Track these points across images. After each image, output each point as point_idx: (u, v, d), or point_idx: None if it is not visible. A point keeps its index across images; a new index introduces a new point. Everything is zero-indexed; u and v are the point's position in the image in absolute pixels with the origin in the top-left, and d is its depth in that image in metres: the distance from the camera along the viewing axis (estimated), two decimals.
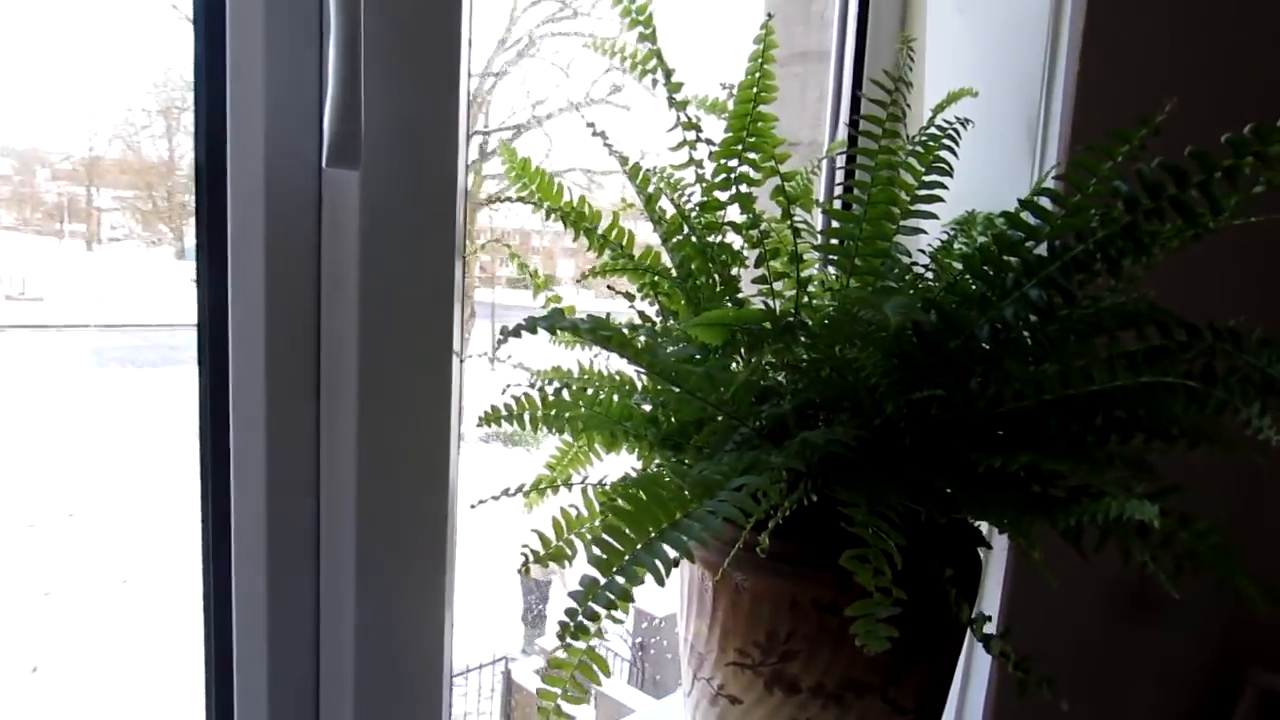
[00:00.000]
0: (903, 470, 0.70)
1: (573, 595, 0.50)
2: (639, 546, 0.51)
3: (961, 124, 0.84)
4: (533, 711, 5.87)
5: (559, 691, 0.71)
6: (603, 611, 0.49)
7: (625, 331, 0.58)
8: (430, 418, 0.72)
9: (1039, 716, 0.71)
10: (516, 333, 0.49)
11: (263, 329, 0.66)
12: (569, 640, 0.50)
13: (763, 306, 0.74)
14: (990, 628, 0.66)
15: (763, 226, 0.81)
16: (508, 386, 0.68)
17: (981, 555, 0.76)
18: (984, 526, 0.75)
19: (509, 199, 0.72)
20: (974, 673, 0.99)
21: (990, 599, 0.91)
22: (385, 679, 0.78)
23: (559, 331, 0.54)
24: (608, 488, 0.71)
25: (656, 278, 0.74)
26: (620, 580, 0.49)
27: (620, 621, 0.72)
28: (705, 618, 0.78)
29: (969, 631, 0.73)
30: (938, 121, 0.84)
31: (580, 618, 0.49)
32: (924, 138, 0.82)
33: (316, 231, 0.66)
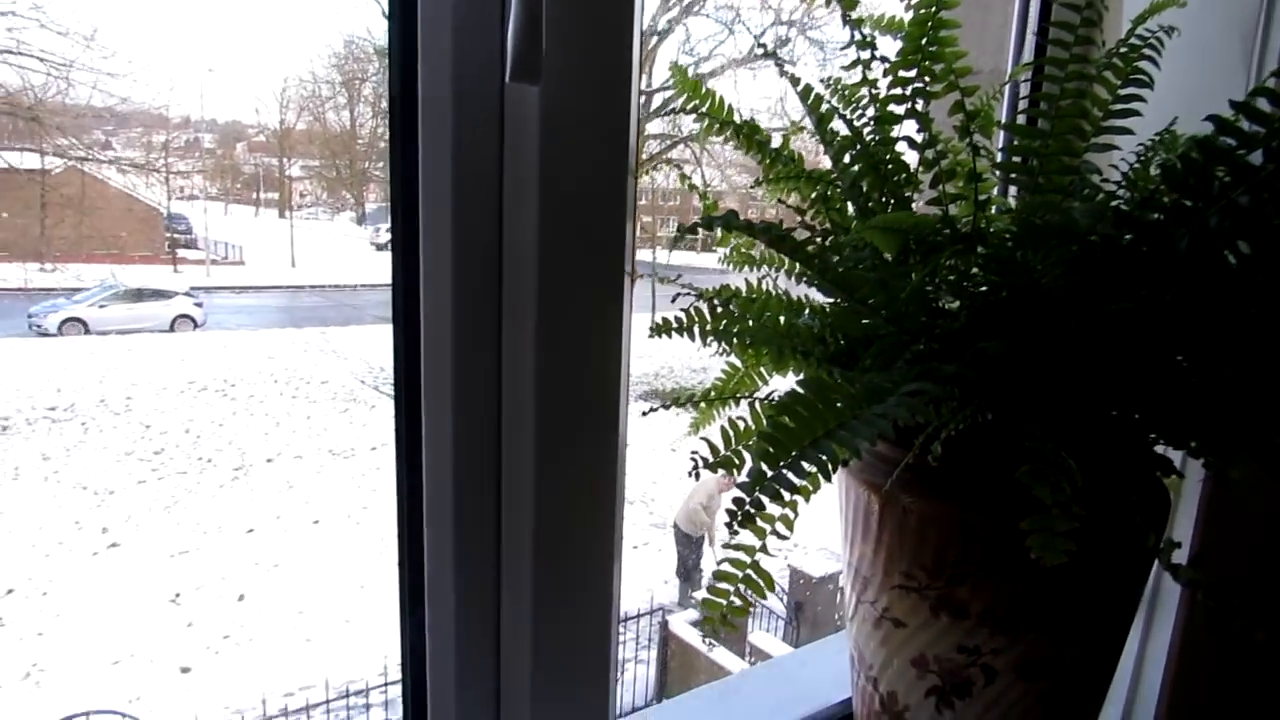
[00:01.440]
0: (1085, 389, 0.67)
1: (740, 486, 0.51)
2: (806, 444, 0.51)
3: (1166, 33, 0.78)
4: (689, 659, 5.95)
5: (724, 602, 0.73)
6: (768, 502, 0.50)
7: (796, 237, 0.58)
8: (604, 331, 0.74)
9: (1232, 652, 0.67)
10: (693, 229, 0.50)
11: (450, 247, 0.70)
12: (737, 528, 0.51)
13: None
14: (1179, 556, 0.63)
15: (939, 147, 0.79)
16: (677, 296, 0.69)
17: (1173, 485, 0.72)
18: (1175, 455, 0.70)
19: (676, 110, 0.73)
20: (1161, 607, 0.94)
21: (1183, 530, 0.86)
22: (560, 609, 0.82)
23: (733, 232, 0.55)
24: (775, 402, 0.72)
25: (830, 189, 0.74)
26: (787, 474, 0.50)
27: (785, 536, 0.73)
28: (870, 541, 0.77)
29: (1155, 562, 0.70)
30: (1139, 32, 0.78)
31: (748, 507, 0.50)
32: (1123, 49, 0.77)
33: (499, 146, 0.69)
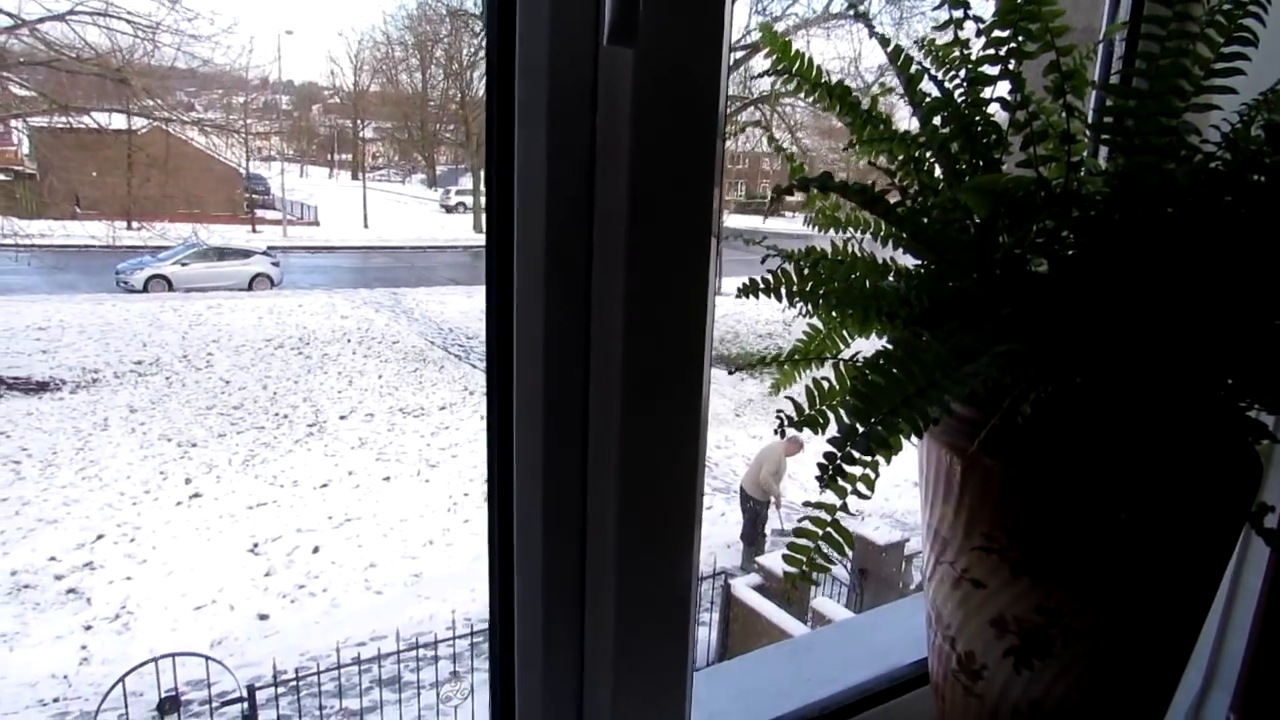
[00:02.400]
0: (1177, 354, 0.66)
1: (831, 441, 0.52)
2: (899, 400, 0.52)
3: None
4: (750, 622, 5.98)
5: (804, 559, 0.74)
6: (859, 456, 0.51)
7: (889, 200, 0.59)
8: (691, 293, 0.75)
9: None
10: (790, 190, 0.51)
11: (543, 209, 0.72)
12: (827, 484, 0.52)
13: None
14: (1270, 521, 0.63)
15: (1031, 108, 0.78)
16: (766, 257, 0.70)
17: (1264, 451, 0.71)
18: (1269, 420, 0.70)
19: (765, 72, 0.73)
20: (1247, 572, 0.92)
21: (1274, 494, 0.84)
22: (644, 563, 0.84)
23: (823, 192, 0.56)
24: (860, 363, 0.73)
25: (920, 151, 0.74)
26: (879, 429, 0.51)
27: (867, 496, 0.74)
28: (951, 502, 0.78)
29: (1243, 528, 0.69)
30: None
31: (839, 461, 0.51)
32: (1227, 5, 0.75)
33: (592, 109, 0.70)
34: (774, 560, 6.74)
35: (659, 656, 0.89)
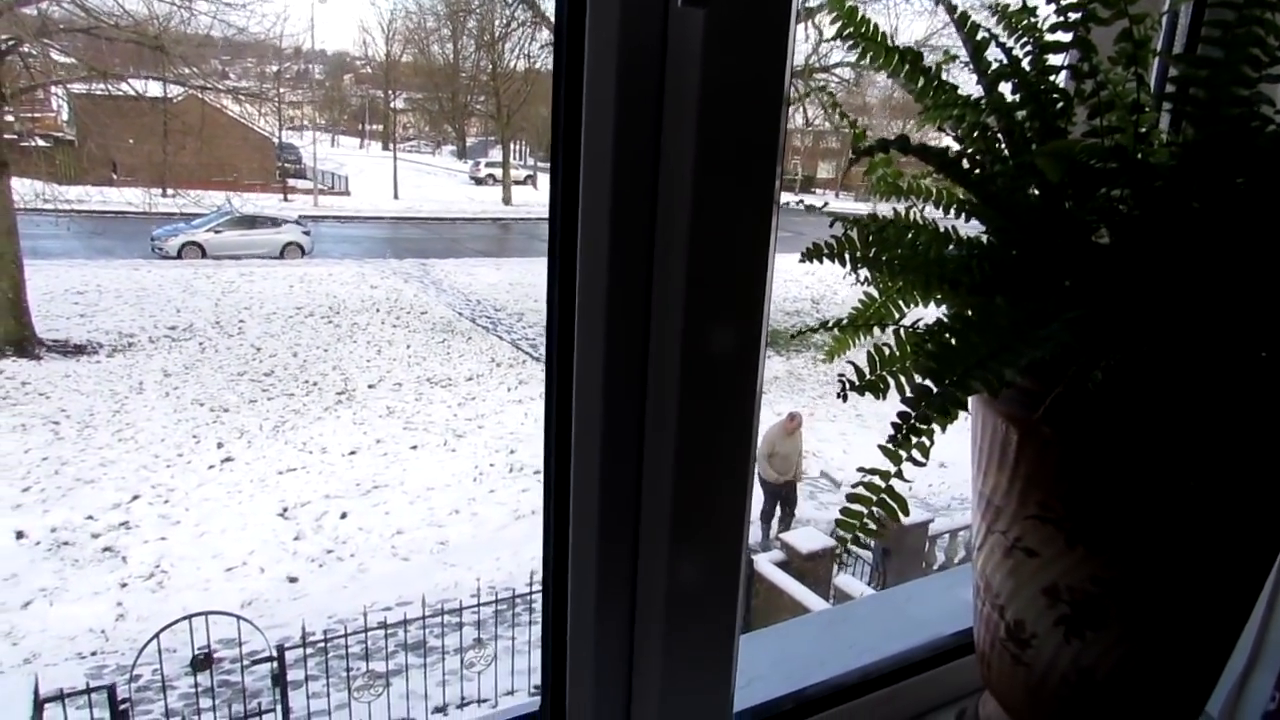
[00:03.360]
0: (1243, 328, 0.66)
1: (906, 402, 0.53)
2: (972, 363, 0.52)
3: None
4: (773, 598, 6.02)
5: (855, 523, 0.75)
6: (935, 416, 0.52)
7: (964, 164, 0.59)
8: (752, 262, 0.75)
9: None
10: (870, 151, 0.52)
11: (609, 177, 0.72)
12: (900, 441, 0.53)
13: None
14: None
15: (1099, 77, 0.77)
16: (834, 222, 0.70)
17: None
18: None
19: (832, 38, 0.73)
20: None
21: None
22: (696, 533, 0.84)
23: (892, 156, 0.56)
24: (922, 330, 0.73)
25: (991, 117, 0.73)
26: (954, 390, 0.51)
27: (922, 463, 0.74)
28: (1005, 471, 0.78)
29: None
30: None
31: (914, 421, 0.51)
32: None
33: (660, 74, 0.70)
34: (796, 537, 6.79)
35: (710, 622, 0.89)
